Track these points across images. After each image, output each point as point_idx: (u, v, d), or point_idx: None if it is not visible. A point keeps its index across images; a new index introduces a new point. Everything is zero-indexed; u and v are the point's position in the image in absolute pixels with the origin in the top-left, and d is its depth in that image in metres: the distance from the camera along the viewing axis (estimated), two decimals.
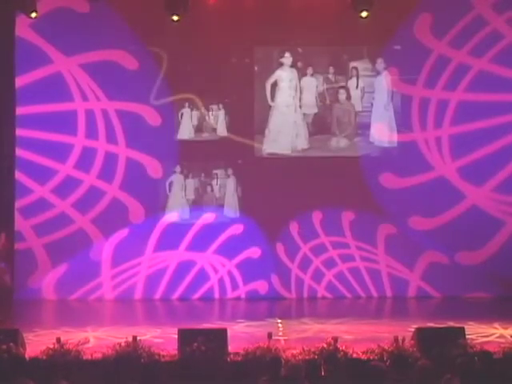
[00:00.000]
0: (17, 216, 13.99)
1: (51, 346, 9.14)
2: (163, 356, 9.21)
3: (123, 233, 14.20)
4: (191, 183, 14.34)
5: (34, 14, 13.26)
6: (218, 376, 8.93)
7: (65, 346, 9.15)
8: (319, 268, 14.34)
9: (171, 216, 14.26)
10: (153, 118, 14.30)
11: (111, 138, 14.27)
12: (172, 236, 14.27)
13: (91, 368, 9.00)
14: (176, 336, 9.50)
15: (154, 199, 14.30)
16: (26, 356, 9.10)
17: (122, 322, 12.01)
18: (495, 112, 14.14)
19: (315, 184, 14.13)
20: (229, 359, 9.20)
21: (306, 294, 14.31)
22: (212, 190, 14.34)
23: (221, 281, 14.31)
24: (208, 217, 14.30)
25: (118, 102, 14.21)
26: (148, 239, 14.24)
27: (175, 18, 13.22)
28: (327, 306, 13.86)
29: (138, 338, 9.36)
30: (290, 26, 14.08)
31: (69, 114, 14.20)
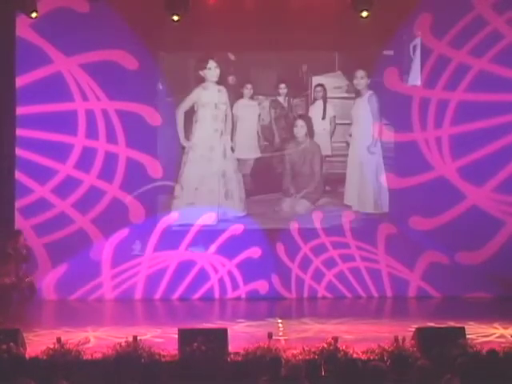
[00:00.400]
0: (17, 216, 13.97)
1: (51, 346, 9.15)
2: (163, 356, 9.23)
3: (123, 233, 14.21)
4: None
5: (34, 14, 13.25)
6: (218, 376, 8.94)
7: (65, 345, 9.16)
8: (319, 268, 14.34)
9: (173, 216, 14.25)
10: (153, 118, 14.30)
11: (111, 137, 14.27)
12: (172, 236, 14.27)
13: (91, 368, 9.01)
14: (176, 336, 9.51)
15: (154, 199, 14.30)
16: (27, 356, 9.12)
17: (122, 321, 12.03)
18: (495, 112, 14.13)
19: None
20: (229, 359, 9.21)
21: (306, 294, 14.31)
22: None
23: (221, 281, 14.31)
24: (208, 217, 14.30)
25: (118, 101, 14.21)
26: (148, 239, 14.25)
27: (175, 17, 13.21)
28: (327, 306, 13.87)
29: (139, 338, 9.37)
30: (290, 27, 14.03)
31: (69, 113, 14.20)
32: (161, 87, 14.07)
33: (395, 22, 14.11)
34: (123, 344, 9.21)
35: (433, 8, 14.14)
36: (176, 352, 9.29)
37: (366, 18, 13.26)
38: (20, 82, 14.00)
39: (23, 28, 13.98)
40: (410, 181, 14.26)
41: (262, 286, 14.26)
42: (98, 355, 9.21)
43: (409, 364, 8.43)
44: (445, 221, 14.22)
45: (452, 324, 10.99)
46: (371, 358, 9.00)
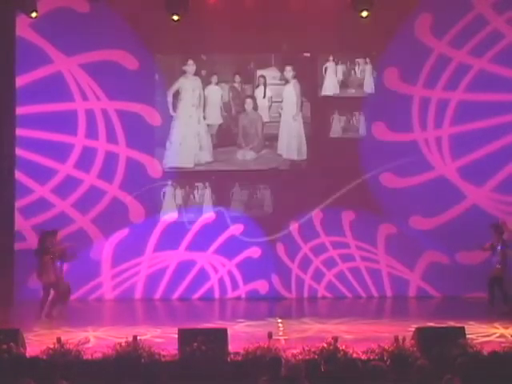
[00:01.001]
0: (17, 216, 13.98)
1: (51, 346, 9.13)
2: (163, 356, 9.20)
3: (123, 232, 14.21)
4: (179, 192, 14.44)
5: (34, 14, 13.28)
6: (218, 376, 8.92)
7: (65, 345, 9.14)
8: (319, 268, 14.34)
9: (165, 217, 14.28)
10: (153, 118, 14.33)
11: (111, 137, 14.29)
12: (172, 236, 14.27)
13: (91, 368, 8.99)
14: (176, 336, 9.49)
15: (154, 199, 14.32)
16: (27, 356, 9.11)
17: (122, 321, 11.99)
18: (495, 112, 14.14)
19: (316, 184, 14.19)
20: (229, 359, 9.19)
21: (306, 294, 14.32)
22: (194, 198, 14.42)
23: (221, 280, 14.32)
24: (208, 217, 14.32)
25: (118, 101, 14.23)
26: (148, 239, 14.26)
27: (175, 17, 13.26)
28: (327, 306, 13.86)
29: (139, 338, 9.35)
30: (290, 28, 14.06)
31: (69, 113, 14.21)
32: (157, 77, 14.27)
33: (395, 22, 14.12)
34: (123, 344, 9.19)
35: (433, 8, 14.14)
36: (176, 352, 9.27)
37: (366, 17, 13.30)
38: (20, 81, 14.01)
39: (23, 28, 13.99)
40: (410, 181, 14.27)
41: (262, 286, 14.27)
42: (98, 355, 9.20)
43: (409, 364, 8.41)
44: (445, 221, 14.22)
45: (452, 324, 10.96)
46: (371, 357, 8.98)
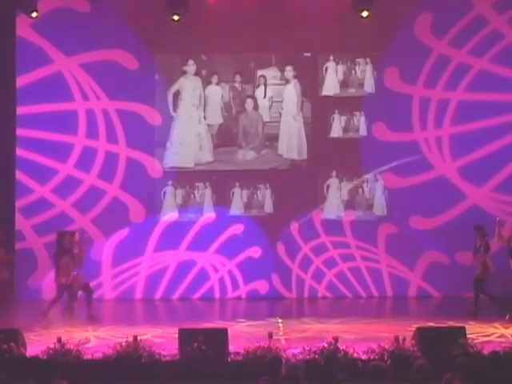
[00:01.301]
0: (17, 216, 14.00)
1: (52, 346, 9.14)
2: (164, 356, 9.23)
3: (123, 232, 14.21)
4: (179, 192, 14.41)
5: (34, 14, 13.30)
6: (218, 376, 8.93)
7: (65, 345, 9.15)
8: (320, 268, 14.34)
9: (165, 217, 14.28)
10: (153, 118, 14.33)
11: (112, 137, 14.29)
12: (172, 236, 14.27)
13: (91, 368, 8.99)
14: (176, 336, 9.50)
15: (155, 199, 14.32)
16: (27, 356, 9.11)
17: (122, 321, 12.00)
18: (495, 112, 14.14)
19: (316, 184, 14.20)
20: (229, 359, 9.21)
21: (306, 294, 14.32)
22: (194, 198, 14.40)
23: (221, 280, 14.32)
24: (208, 216, 14.32)
25: (119, 101, 14.24)
26: (148, 239, 14.25)
27: (176, 17, 13.29)
28: (328, 306, 13.86)
29: (139, 338, 9.36)
30: (290, 28, 14.06)
31: (69, 113, 14.22)
32: (157, 77, 14.28)
33: (395, 22, 14.12)
34: (123, 344, 9.21)
35: (433, 8, 14.14)
36: (176, 352, 9.29)
37: (366, 17, 13.31)
38: (20, 81, 14.03)
39: (23, 28, 14.00)
40: (410, 181, 14.27)
41: (262, 286, 14.27)
42: (99, 355, 9.21)
43: (409, 364, 8.42)
44: (445, 221, 14.22)
45: (452, 324, 10.98)
46: (371, 357, 8.99)
